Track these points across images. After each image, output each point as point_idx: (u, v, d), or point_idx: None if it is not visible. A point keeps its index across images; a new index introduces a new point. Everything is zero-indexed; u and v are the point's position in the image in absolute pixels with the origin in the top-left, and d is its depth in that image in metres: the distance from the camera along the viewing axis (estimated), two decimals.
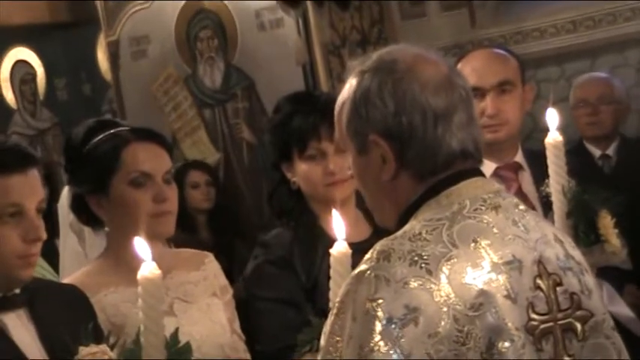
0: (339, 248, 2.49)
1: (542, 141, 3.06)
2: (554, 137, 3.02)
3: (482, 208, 2.13)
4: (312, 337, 2.71)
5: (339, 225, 2.49)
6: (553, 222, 3.02)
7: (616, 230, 3.09)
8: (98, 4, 7.54)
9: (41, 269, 4.00)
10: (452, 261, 2.04)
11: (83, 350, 2.48)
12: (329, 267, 2.53)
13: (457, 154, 2.16)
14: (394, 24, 6.68)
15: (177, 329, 2.51)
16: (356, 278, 2.07)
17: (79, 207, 3.17)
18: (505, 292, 2.05)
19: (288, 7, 6.50)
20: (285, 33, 6.67)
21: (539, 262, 2.12)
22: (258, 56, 6.85)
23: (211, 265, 3.27)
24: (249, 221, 6.85)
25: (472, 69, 3.54)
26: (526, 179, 3.61)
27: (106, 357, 2.49)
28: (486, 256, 2.07)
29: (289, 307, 3.24)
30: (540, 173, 3.22)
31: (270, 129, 3.47)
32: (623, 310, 3.63)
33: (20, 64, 9.05)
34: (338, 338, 2.07)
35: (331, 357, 2.08)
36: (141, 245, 2.32)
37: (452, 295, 2.01)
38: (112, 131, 3.12)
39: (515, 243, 2.11)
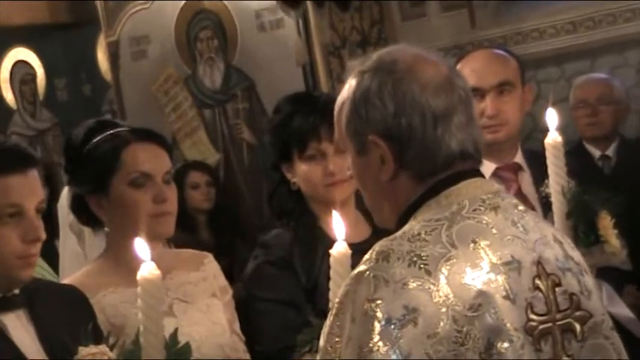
0: (339, 249, 2.49)
1: (542, 141, 3.06)
2: (553, 138, 3.02)
3: (482, 208, 2.13)
4: (311, 337, 2.72)
5: (338, 225, 2.49)
6: (553, 222, 3.02)
7: (615, 231, 3.09)
8: (98, 4, 7.54)
9: (41, 270, 4.00)
10: (451, 261, 2.04)
11: (83, 351, 2.48)
12: (329, 267, 2.53)
13: (456, 155, 2.16)
14: (394, 24, 6.68)
15: (176, 330, 2.51)
16: (355, 279, 2.08)
17: (78, 207, 3.17)
18: (504, 293, 2.05)
19: (288, 8, 6.50)
20: (285, 33, 6.67)
21: (538, 262, 2.12)
22: (258, 57, 6.85)
23: (211, 265, 3.27)
24: (250, 221, 6.85)
25: (472, 69, 3.54)
26: (526, 180, 3.61)
27: (106, 357, 2.49)
28: (485, 257, 2.07)
29: (289, 307, 3.23)
30: (540, 174, 3.22)
31: (270, 129, 3.47)
32: (623, 310, 3.63)
33: (20, 64, 9.05)
34: (337, 339, 2.07)
35: (330, 357, 2.08)
36: (140, 246, 2.32)
37: (451, 296, 2.01)
38: (111, 132, 3.12)
39: (514, 244, 2.11)
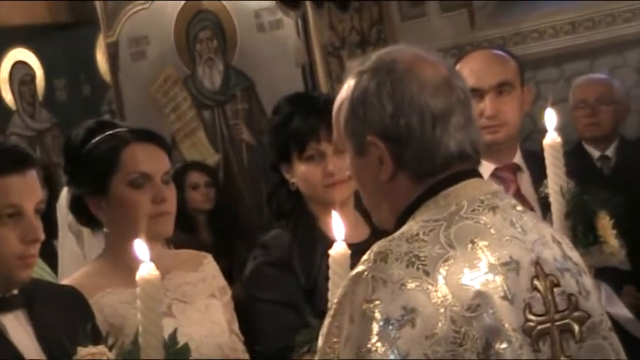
0: (338, 249, 2.49)
1: (541, 142, 3.06)
2: (552, 138, 3.02)
3: (480, 209, 2.13)
4: (310, 338, 2.71)
5: (338, 226, 2.49)
6: (551, 223, 3.02)
7: (614, 231, 3.10)
8: (97, 4, 7.54)
9: (40, 270, 4.00)
10: (449, 262, 2.04)
11: (81, 351, 2.48)
12: (328, 268, 2.53)
13: (455, 156, 2.16)
14: (394, 25, 6.68)
15: (175, 330, 2.51)
16: (353, 279, 2.08)
17: (78, 208, 3.17)
18: (502, 293, 2.05)
19: (287, 9, 6.50)
20: (284, 34, 6.67)
21: (537, 263, 2.12)
22: (257, 57, 6.85)
23: (210, 266, 3.27)
24: (249, 222, 6.85)
25: (471, 70, 3.54)
26: (525, 180, 3.60)
27: (105, 358, 2.49)
28: (483, 257, 2.07)
29: (288, 308, 3.24)
30: (539, 174, 3.22)
31: (269, 130, 3.48)
32: (622, 311, 3.63)
33: (19, 65, 9.06)
34: (335, 339, 2.07)
35: (329, 358, 2.08)
36: (139, 246, 2.32)
37: (449, 297, 2.01)
38: (111, 132, 3.12)
39: (513, 244, 2.11)
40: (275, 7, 6.62)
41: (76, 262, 3.83)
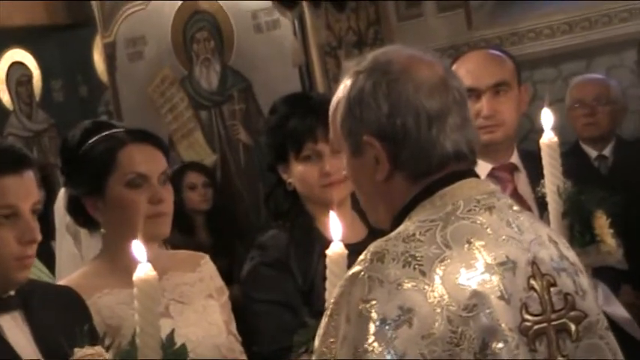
0: (335, 249, 2.49)
1: (538, 142, 3.06)
2: (549, 137, 3.03)
3: (476, 208, 2.14)
4: (307, 338, 2.71)
5: (335, 226, 2.49)
6: (549, 222, 3.02)
7: (611, 230, 3.10)
8: (94, 5, 7.53)
9: (38, 271, 4.00)
10: (445, 262, 2.05)
11: (79, 352, 2.48)
12: (325, 268, 2.53)
13: (451, 156, 2.17)
14: (390, 25, 6.68)
15: (173, 331, 2.51)
16: (350, 280, 2.08)
17: (75, 209, 3.17)
18: (499, 293, 2.05)
19: (284, 9, 6.50)
20: (281, 34, 6.68)
21: (533, 262, 2.12)
22: (254, 58, 6.85)
23: (207, 266, 3.27)
24: (247, 222, 6.85)
25: (468, 70, 3.54)
26: (522, 180, 3.61)
27: (102, 358, 2.49)
28: (480, 257, 2.07)
29: (286, 309, 3.24)
30: (536, 174, 3.22)
31: (266, 130, 3.48)
32: (619, 310, 3.63)
33: (16, 65, 9.05)
34: (332, 339, 2.07)
35: (325, 358, 2.08)
36: (137, 247, 2.32)
37: (445, 296, 2.01)
38: (107, 133, 3.12)
39: (509, 244, 2.11)
40: (272, 7, 6.62)
41: (74, 263, 3.82)
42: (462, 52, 4.10)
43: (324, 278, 2.53)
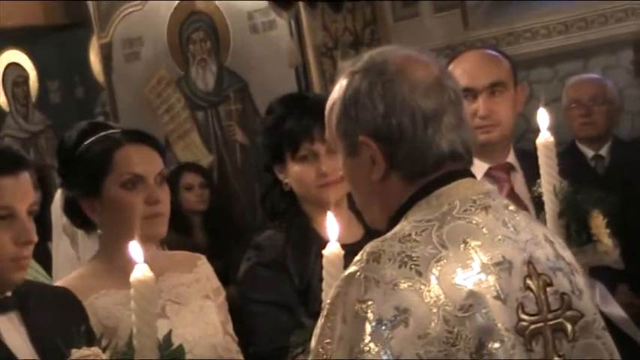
0: (332, 249, 2.49)
1: (534, 142, 3.06)
2: (545, 137, 3.03)
3: (472, 208, 2.14)
4: (304, 338, 2.71)
5: (332, 226, 2.49)
6: (545, 222, 3.02)
7: (608, 230, 3.10)
8: (90, 5, 7.53)
9: (34, 272, 4.00)
10: (442, 262, 2.05)
11: (76, 352, 2.48)
12: (322, 269, 2.53)
13: (446, 156, 2.17)
14: (387, 25, 6.68)
15: (170, 331, 2.51)
16: (346, 280, 2.08)
17: (72, 210, 3.17)
18: (495, 293, 2.05)
19: (280, 9, 6.50)
20: (277, 35, 6.68)
21: (529, 262, 2.12)
22: (250, 58, 6.85)
23: (204, 267, 3.27)
24: (244, 222, 6.85)
25: (464, 70, 3.54)
26: (518, 180, 3.61)
27: (98, 359, 2.49)
28: (476, 257, 2.07)
29: (282, 309, 3.24)
30: (532, 174, 3.22)
31: (262, 131, 3.48)
32: (616, 310, 3.63)
33: (13, 66, 9.05)
34: (328, 340, 2.07)
35: (321, 359, 2.08)
36: (134, 248, 2.32)
37: (442, 297, 2.01)
38: (104, 133, 3.12)
39: (505, 244, 2.11)
40: (268, 8, 6.62)
41: (70, 264, 3.82)
42: (458, 52, 4.10)
43: (321, 278, 2.53)
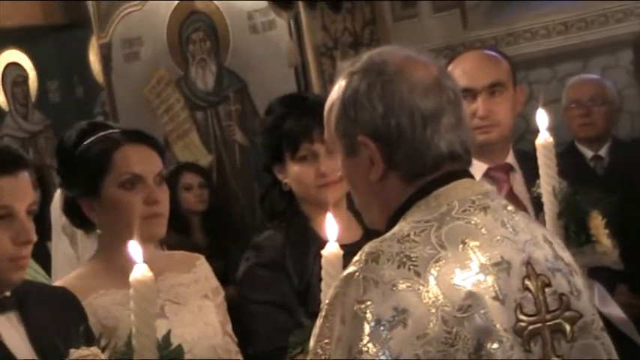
0: (331, 249, 2.49)
1: (534, 142, 3.06)
2: (544, 138, 3.03)
3: (471, 209, 2.14)
4: (303, 339, 2.71)
5: (331, 226, 2.49)
6: (544, 223, 3.02)
7: (607, 231, 3.10)
8: (90, 5, 7.53)
9: (33, 272, 3.99)
10: (440, 262, 2.05)
11: (74, 352, 2.48)
12: (321, 269, 2.52)
13: (445, 156, 2.17)
14: (386, 25, 6.68)
15: (169, 331, 2.52)
16: (344, 280, 2.08)
17: (71, 210, 3.17)
18: (493, 294, 2.05)
19: (280, 9, 6.50)
20: (277, 35, 6.68)
21: (528, 263, 2.12)
22: (250, 58, 6.85)
23: (203, 267, 3.27)
24: (243, 222, 6.85)
25: (463, 70, 3.54)
26: (517, 180, 3.61)
27: (98, 359, 2.49)
28: (475, 258, 2.07)
29: (281, 309, 3.24)
30: (531, 174, 3.22)
31: (262, 131, 3.48)
32: (615, 310, 3.64)
33: (12, 66, 9.05)
34: (327, 340, 2.07)
35: (320, 359, 2.08)
36: (133, 248, 2.32)
37: (440, 297, 2.01)
38: (103, 133, 3.12)
39: (504, 244, 2.11)
40: (267, 8, 6.62)
41: (70, 263, 3.82)
42: (457, 52, 4.10)
43: (320, 279, 2.52)
